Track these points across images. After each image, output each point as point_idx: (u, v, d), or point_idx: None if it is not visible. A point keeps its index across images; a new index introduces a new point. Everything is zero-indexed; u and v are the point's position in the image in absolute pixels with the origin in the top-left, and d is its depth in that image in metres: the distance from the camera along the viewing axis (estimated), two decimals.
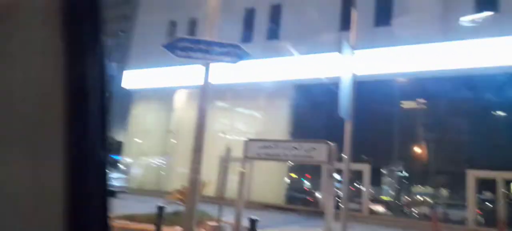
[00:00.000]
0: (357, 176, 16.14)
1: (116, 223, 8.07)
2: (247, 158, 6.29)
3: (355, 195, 16.84)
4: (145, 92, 23.53)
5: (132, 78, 23.92)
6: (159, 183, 21.38)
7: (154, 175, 22.09)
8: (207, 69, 6.84)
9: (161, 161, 22.14)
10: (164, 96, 22.68)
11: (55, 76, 0.64)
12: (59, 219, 0.63)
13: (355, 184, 16.81)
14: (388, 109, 16.44)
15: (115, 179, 16.64)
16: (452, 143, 15.73)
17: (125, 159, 23.89)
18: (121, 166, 23.55)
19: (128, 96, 25.81)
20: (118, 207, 10.82)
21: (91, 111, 0.68)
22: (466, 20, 14.63)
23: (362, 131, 13.73)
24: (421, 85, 15.78)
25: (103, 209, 0.71)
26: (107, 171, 0.75)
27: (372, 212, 16.11)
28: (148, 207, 9.14)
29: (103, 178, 0.73)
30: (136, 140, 23.60)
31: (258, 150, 6.14)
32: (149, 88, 22.97)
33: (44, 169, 0.63)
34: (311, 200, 18.13)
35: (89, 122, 0.68)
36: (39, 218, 0.62)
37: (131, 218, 8.39)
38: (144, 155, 22.77)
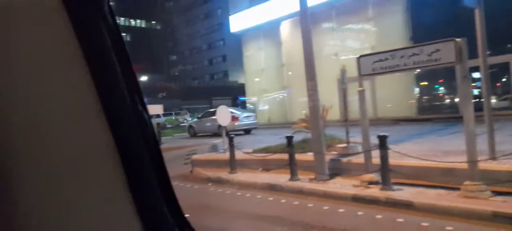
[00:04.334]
0: (502, 69, 13.85)
1: (255, 156, 9.07)
2: (362, 75, 6.03)
3: (503, 92, 14.64)
4: (252, 32, 24.18)
5: (237, 21, 24.77)
6: (284, 115, 22.52)
7: (278, 109, 23.29)
8: None
9: (282, 94, 23.07)
10: (270, 31, 22.95)
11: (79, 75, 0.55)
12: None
13: (501, 79, 14.55)
14: None
15: (245, 117, 18.24)
16: None
17: (250, 98, 25.76)
18: (248, 105, 25.63)
19: (238, 40, 27.09)
20: (253, 143, 12.03)
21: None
22: None
23: (498, 17, 11.46)
24: None
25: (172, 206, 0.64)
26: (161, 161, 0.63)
27: None
28: (278, 139, 9.89)
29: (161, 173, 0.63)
30: (255, 79, 24.95)
31: (373, 65, 5.77)
32: (254, 26, 23.42)
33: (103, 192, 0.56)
34: (447, 106, 16.54)
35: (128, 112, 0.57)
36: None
37: (266, 150, 9.27)
38: (265, 92, 24.06)
